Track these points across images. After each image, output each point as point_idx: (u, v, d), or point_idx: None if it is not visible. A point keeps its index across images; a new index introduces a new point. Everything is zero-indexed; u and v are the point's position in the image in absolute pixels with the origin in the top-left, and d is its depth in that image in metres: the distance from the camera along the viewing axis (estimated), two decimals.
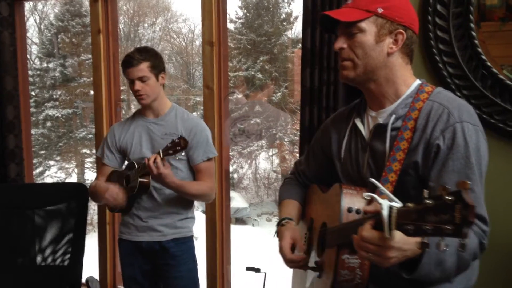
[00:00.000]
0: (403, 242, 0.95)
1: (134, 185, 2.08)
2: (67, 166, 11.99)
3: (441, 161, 1.15)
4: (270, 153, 11.68)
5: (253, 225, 11.03)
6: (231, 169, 11.74)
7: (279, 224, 1.48)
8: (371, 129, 1.30)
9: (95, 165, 3.41)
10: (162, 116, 2.18)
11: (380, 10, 1.21)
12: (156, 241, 2.16)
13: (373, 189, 1.22)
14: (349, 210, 1.20)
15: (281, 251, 1.39)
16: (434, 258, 1.03)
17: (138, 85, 2.07)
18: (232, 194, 11.32)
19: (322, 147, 1.51)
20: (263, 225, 10.91)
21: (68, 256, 2.34)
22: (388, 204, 0.92)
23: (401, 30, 1.22)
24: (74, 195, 2.36)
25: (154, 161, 1.93)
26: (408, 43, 1.24)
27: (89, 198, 2.30)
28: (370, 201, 1.20)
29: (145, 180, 2.08)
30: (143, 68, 2.06)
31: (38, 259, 2.35)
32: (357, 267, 1.16)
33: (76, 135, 11.54)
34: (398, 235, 0.92)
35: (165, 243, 2.16)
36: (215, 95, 2.61)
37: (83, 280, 2.42)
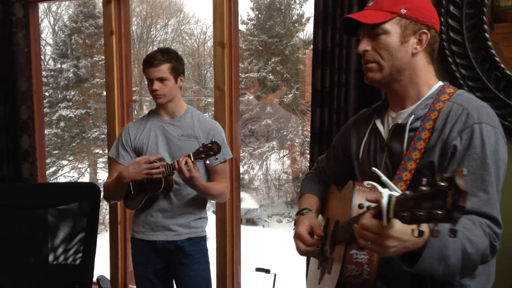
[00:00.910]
0: (402, 232, 0.95)
1: (159, 185, 2.09)
2: (80, 166, 12.12)
3: (457, 161, 1.14)
4: (281, 154, 11.67)
5: (263, 226, 11.03)
6: (242, 170, 11.74)
7: (298, 214, 1.48)
8: (390, 129, 1.30)
9: (107, 165, 3.42)
10: (178, 117, 2.20)
11: (403, 11, 1.21)
12: (171, 240, 2.18)
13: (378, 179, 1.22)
14: (360, 206, 1.20)
15: (297, 235, 1.38)
16: (437, 252, 1.01)
17: (156, 85, 2.09)
18: (243, 195, 11.33)
19: (343, 148, 1.51)
20: (273, 226, 10.92)
21: (80, 255, 2.36)
22: (388, 193, 0.92)
23: (425, 30, 1.22)
24: (87, 195, 2.38)
25: (185, 164, 1.95)
26: (431, 43, 1.24)
27: (102, 197, 2.31)
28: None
29: (169, 180, 2.11)
30: (164, 69, 2.09)
31: (50, 258, 2.37)
32: (365, 263, 1.15)
33: (89, 135, 11.66)
34: (397, 225, 0.93)
35: (179, 242, 2.18)
36: (226, 96, 2.61)
37: (94, 279, 2.44)
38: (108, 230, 3.03)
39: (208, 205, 2.44)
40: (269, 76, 11.03)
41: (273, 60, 11.08)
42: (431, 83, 1.27)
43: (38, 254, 2.40)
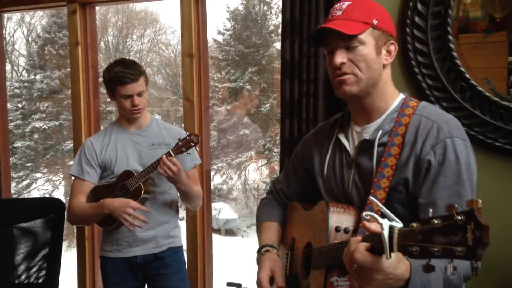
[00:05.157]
0: (394, 268, 0.91)
1: (138, 192, 2.02)
2: (54, 178, 11.86)
3: (432, 177, 1.11)
4: (259, 164, 11.65)
5: (242, 236, 10.97)
6: (220, 180, 11.68)
7: (259, 252, 1.40)
8: (357, 145, 1.26)
9: None
10: (145, 127, 2.16)
11: (375, 22, 1.18)
12: (152, 253, 2.11)
13: (362, 207, 1.18)
14: (337, 229, 1.16)
15: (259, 283, 1.31)
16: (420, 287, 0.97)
17: (137, 100, 2.03)
18: (222, 205, 11.26)
19: (303, 163, 1.45)
20: (253, 236, 10.86)
21: (44, 272, 2.27)
22: (388, 223, 0.86)
23: (393, 41, 1.21)
24: (50, 210, 2.30)
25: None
26: (396, 55, 1.24)
27: (67, 219, 2.18)
28: (358, 219, 1.17)
29: (146, 188, 2.05)
30: (142, 82, 2.04)
31: (12, 276, 2.28)
32: None
33: (63, 147, 11.43)
34: (391, 260, 0.87)
35: (160, 253, 2.12)
36: (195, 107, 2.57)
37: None
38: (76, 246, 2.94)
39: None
40: (246, 86, 11.04)
41: (250, 70, 11.11)
42: (394, 96, 1.25)
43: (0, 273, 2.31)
